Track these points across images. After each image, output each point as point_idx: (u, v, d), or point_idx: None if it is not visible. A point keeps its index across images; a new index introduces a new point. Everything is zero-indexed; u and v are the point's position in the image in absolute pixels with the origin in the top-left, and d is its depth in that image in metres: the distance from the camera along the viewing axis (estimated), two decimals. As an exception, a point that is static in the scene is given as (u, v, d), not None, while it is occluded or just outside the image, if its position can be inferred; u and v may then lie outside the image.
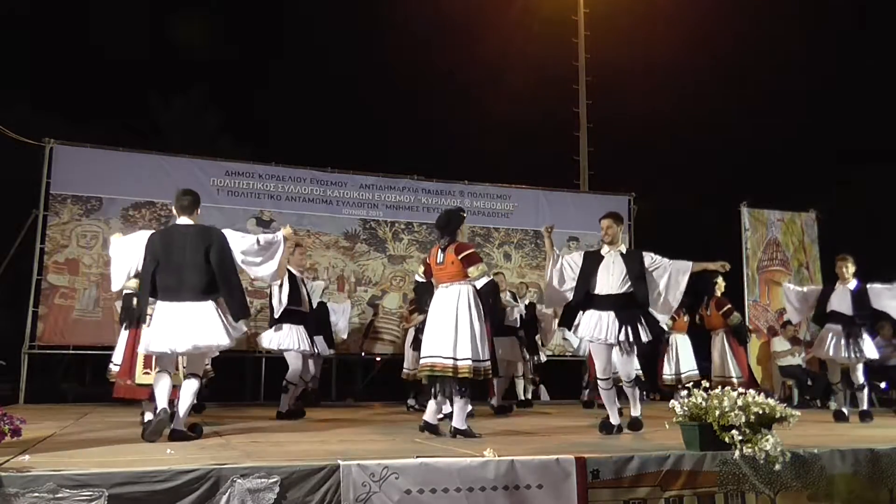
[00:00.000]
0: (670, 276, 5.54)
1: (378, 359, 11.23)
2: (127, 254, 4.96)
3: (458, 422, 5.06)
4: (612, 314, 5.50)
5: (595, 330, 5.54)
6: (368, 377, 11.36)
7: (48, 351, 10.02)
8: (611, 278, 5.55)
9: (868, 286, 7.34)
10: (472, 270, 5.17)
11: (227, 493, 3.17)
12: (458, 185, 11.95)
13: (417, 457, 3.56)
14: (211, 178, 10.63)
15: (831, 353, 7.42)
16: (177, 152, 10.92)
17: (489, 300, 5.25)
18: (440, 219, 5.44)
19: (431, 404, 5.24)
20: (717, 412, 3.94)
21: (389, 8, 16.88)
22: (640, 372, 5.78)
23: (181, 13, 16.56)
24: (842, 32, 16.18)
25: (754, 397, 4.02)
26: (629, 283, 5.49)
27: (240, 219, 10.65)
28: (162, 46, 16.62)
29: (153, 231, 5.08)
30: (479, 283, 5.19)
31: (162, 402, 4.66)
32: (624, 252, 5.64)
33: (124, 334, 5.71)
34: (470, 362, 5.02)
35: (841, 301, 7.40)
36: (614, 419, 5.58)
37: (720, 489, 3.85)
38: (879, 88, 15.59)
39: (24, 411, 4.62)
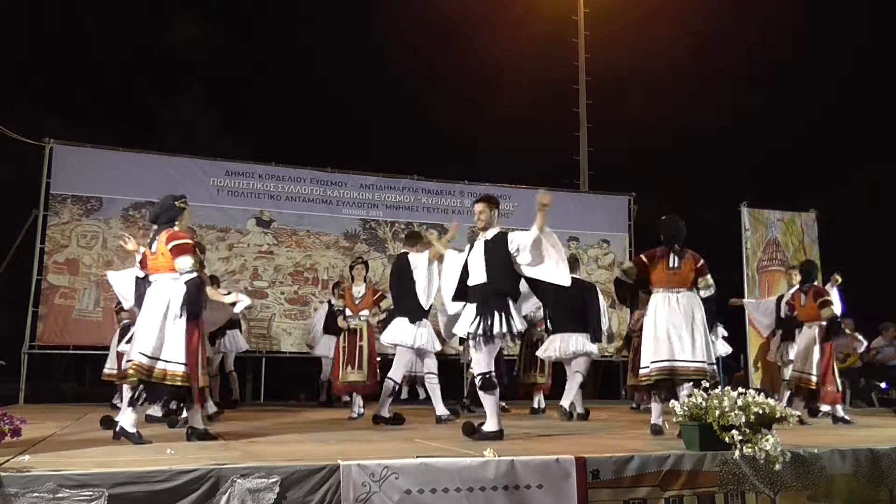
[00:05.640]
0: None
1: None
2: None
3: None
4: (474, 307, 5.04)
5: (462, 325, 5.11)
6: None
7: (48, 351, 10.02)
8: (477, 268, 5.09)
9: None
10: (703, 281, 5.37)
11: (227, 493, 3.17)
12: (458, 185, 11.96)
13: (417, 457, 3.56)
14: (211, 178, 10.63)
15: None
16: (177, 152, 10.91)
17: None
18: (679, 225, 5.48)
19: (658, 406, 5.34)
20: (717, 412, 3.94)
21: (389, 8, 16.86)
22: (492, 372, 4.91)
23: (181, 13, 16.55)
24: (843, 32, 16.18)
25: (754, 397, 4.02)
26: (487, 272, 5.00)
27: (240, 219, 10.66)
28: (162, 46, 16.59)
29: None
30: (705, 294, 5.38)
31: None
32: (489, 238, 5.12)
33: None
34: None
35: None
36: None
37: (720, 489, 3.84)
38: (880, 88, 15.60)
39: (24, 411, 4.62)
